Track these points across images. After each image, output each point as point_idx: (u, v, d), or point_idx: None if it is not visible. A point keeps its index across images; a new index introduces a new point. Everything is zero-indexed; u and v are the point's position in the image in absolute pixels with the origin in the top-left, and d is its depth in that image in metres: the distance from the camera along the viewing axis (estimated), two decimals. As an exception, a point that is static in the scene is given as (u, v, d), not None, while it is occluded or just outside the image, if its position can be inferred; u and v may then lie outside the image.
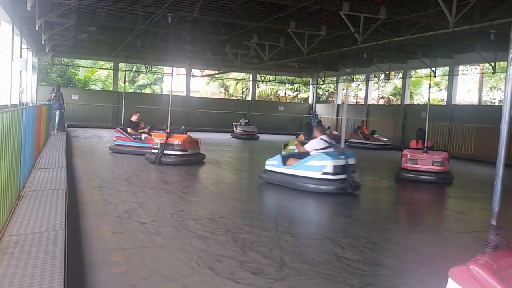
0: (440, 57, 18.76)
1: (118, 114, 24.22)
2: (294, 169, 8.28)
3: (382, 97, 34.48)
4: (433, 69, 19.82)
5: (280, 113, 28.73)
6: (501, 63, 17.48)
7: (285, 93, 38.37)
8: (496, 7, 10.63)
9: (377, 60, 21.16)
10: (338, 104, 27.64)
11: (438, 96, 32.64)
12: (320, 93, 35.12)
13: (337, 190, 7.94)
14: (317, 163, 7.99)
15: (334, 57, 20.66)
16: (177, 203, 6.85)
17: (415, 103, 29.06)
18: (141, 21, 14.05)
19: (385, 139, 19.87)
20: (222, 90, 38.75)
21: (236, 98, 36.62)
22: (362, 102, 28.67)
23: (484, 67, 24.93)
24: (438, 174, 10.29)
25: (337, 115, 26.97)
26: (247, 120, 22.82)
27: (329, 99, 35.42)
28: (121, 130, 12.72)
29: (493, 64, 17.19)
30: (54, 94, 16.87)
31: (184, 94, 27.68)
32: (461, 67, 20.25)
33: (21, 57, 15.09)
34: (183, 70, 28.45)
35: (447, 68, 19.81)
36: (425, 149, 10.64)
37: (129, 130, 12.64)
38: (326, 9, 12.08)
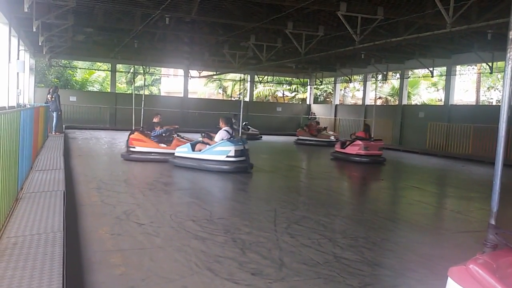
0: (438, 57, 18.79)
1: (116, 116, 24.23)
2: (203, 154, 10.20)
3: (379, 98, 34.49)
4: (431, 69, 19.86)
5: (278, 114, 28.74)
6: (498, 63, 17.50)
7: (283, 94, 38.38)
8: (493, 7, 10.66)
9: (374, 61, 21.19)
10: (336, 105, 27.66)
11: (436, 96, 32.68)
12: (318, 93, 35.13)
13: (237, 170, 9.99)
14: (223, 149, 10.02)
15: (332, 57, 20.67)
16: (175, 204, 6.85)
17: (413, 103, 29.10)
18: (138, 22, 14.04)
19: (333, 137, 20.51)
20: (220, 91, 38.73)
21: (234, 99, 36.62)
22: (360, 102, 28.68)
23: (482, 67, 24.94)
24: (380, 156, 14.08)
25: (335, 116, 26.99)
26: (246, 122, 22.76)
27: (327, 99, 35.43)
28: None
29: (490, 64, 17.21)
30: (50, 95, 16.83)
31: (182, 95, 27.69)
32: (458, 67, 20.28)
33: (18, 58, 15.05)
34: (180, 71, 28.44)
35: (445, 68, 19.84)
36: (372, 139, 14.32)
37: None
38: (324, 10, 12.09)
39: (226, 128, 10.53)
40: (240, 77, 29.18)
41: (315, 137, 20.40)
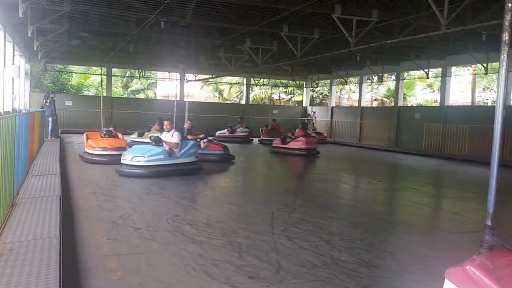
0: (433, 58, 18.87)
1: (112, 120, 24.18)
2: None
3: (375, 99, 34.59)
4: (426, 70, 19.93)
5: (274, 116, 28.75)
6: (493, 64, 17.59)
7: (279, 97, 38.43)
8: (487, 9, 10.72)
9: (370, 63, 21.25)
10: (332, 107, 27.71)
11: (432, 97, 32.79)
12: (314, 96, 35.18)
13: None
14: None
15: (327, 60, 20.72)
16: (172, 208, 6.83)
17: (409, 104, 29.18)
18: (133, 27, 14.03)
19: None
20: (216, 94, 38.76)
21: (230, 102, 36.64)
22: (356, 104, 28.75)
23: (477, 68, 25.05)
24: (315, 150, 16.69)
25: (331, 118, 27.04)
26: (243, 127, 22.70)
27: (323, 101, 35.50)
28: None
29: (485, 65, 17.29)
30: (45, 100, 16.79)
31: (178, 98, 27.66)
32: (453, 68, 20.36)
33: (13, 63, 15.04)
34: (177, 75, 28.44)
35: (440, 69, 19.92)
36: (310, 136, 17.69)
37: (189, 137, 12.30)
38: (319, 13, 12.12)
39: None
40: (237, 81, 29.17)
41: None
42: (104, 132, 12.79)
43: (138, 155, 9.55)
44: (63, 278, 3.28)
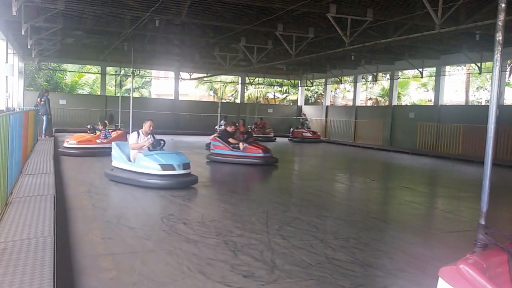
0: (427, 58, 18.93)
1: (106, 119, 24.08)
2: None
3: (370, 98, 34.68)
4: (420, 69, 20.00)
5: (269, 115, 28.76)
6: (486, 63, 17.69)
7: (274, 96, 38.44)
8: (481, 9, 10.76)
9: (364, 62, 21.30)
10: (327, 106, 27.76)
11: (426, 96, 32.90)
12: (309, 95, 35.22)
13: None
14: None
15: (322, 59, 20.73)
16: (167, 207, 6.82)
17: (403, 103, 29.28)
18: (128, 25, 13.98)
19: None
20: (211, 93, 38.71)
21: (225, 101, 36.61)
22: (350, 103, 28.81)
23: (470, 68, 25.18)
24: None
25: (326, 117, 27.10)
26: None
27: (318, 101, 35.54)
28: (219, 139, 12.62)
29: (479, 64, 17.37)
30: (39, 99, 16.72)
31: (173, 97, 27.64)
32: (447, 68, 20.45)
33: (7, 62, 14.95)
34: (171, 74, 28.38)
35: (434, 68, 19.99)
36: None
37: (231, 140, 12.41)
38: (314, 12, 12.12)
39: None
40: (232, 80, 29.10)
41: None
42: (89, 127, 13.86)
43: (173, 163, 8.18)
44: (57, 278, 3.27)
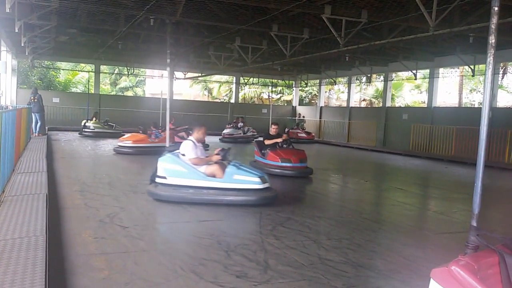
0: (421, 59, 19.02)
1: (100, 117, 24.02)
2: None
3: (364, 100, 34.79)
4: (414, 71, 20.09)
5: (263, 115, 28.77)
6: (480, 65, 17.81)
7: (269, 96, 38.46)
8: (474, 11, 10.82)
9: (358, 63, 21.37)
10: (321, 107, 27.82)
11: (419, 98, 33.04)
12: (303, 95, 35.28)
13: None
14: None
15: (317, 60, 20.78)
16: (160, 207, 6.80)
17: (397, 105, 29.39)
18: (122, 24, 13.92)
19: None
20: (206, 92, 38.67)
21: (219, 101, 36.59)
22: (344, 104, 28.89)
23: (464, 70, 25.32)
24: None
25: (320, 118, 27.15)
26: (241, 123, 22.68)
27: (312, 101, 35.60)
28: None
29: (472, 66, 17.49)
30: (33, 97, 16.63)
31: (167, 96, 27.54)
32: (441, 70, 20.56)
33: (0, 59, 14.85)
34: (165, 73, 28.26)
35: (428, 70, 20.09)
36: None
37: (266, 142, 11.14)
38: (309, 13, 12.15)
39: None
40: (227, 79, 29.08)
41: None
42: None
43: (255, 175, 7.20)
44: (49, 277, 3.26)
